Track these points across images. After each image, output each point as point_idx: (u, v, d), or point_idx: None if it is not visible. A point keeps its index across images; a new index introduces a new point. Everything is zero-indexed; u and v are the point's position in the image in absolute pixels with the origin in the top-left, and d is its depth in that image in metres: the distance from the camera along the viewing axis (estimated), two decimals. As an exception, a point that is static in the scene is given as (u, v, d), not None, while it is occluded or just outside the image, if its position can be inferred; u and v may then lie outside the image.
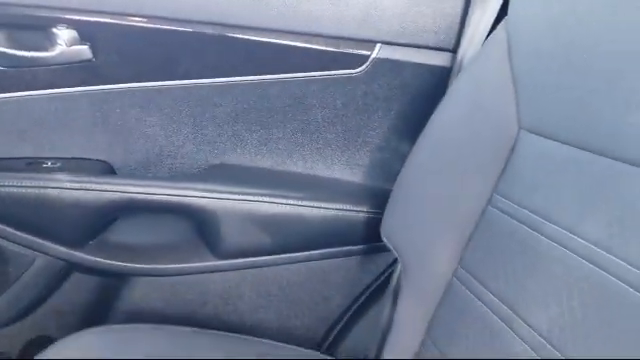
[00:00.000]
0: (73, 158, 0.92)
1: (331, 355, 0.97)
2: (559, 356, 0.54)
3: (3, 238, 0.88)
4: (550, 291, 0.58)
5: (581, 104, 0.61)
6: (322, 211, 0.94)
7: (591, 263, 0.54)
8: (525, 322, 0.58)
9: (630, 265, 0.50)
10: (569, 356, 0.53)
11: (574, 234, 0.57)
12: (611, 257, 0.52)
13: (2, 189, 0.85)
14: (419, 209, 0.81)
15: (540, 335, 0.56)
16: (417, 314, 0.76)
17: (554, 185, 0.62)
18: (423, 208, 0.80)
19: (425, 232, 0.79)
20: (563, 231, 0.58)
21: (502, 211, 0.68)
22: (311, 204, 0.94)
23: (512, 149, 0.70)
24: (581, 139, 0.60)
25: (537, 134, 0.67)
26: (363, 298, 1.01)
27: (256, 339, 0.90)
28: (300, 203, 0.93)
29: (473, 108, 0.77)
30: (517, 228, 0.65)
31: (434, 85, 0.90)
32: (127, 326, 0.86)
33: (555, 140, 0.64)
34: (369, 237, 0.95)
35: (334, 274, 0.98)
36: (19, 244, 0.89)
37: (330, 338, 1.01)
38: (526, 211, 0.64)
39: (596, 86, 0.59)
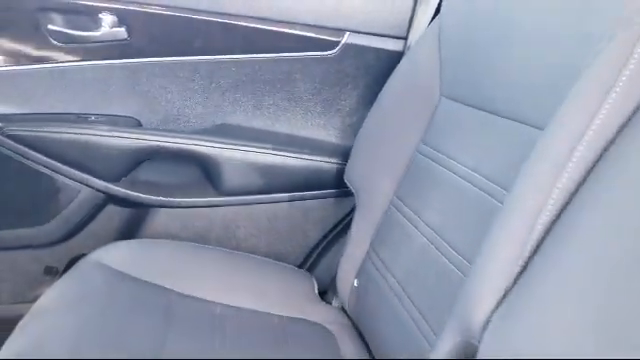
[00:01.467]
0: (110, 115, 1.19)
1: (309, 272, 1.24)
2: (444, 244, 0.80)
3: (57, 172, 1.15)
4: (443, 202, 0.84)
5: (475, 76, 0.87)
6: (303, 162, 1.21)
7: (468, 182, 0.80)
8: (426, 224, 0.85)
9: (492, 182, 0.76)
10: (449, 242, 0.79)
11: (459, 163, 0.83)
12: (480, 177, 0.78)
13: (58, 135, 1.13)
14: (369, 158, 1.08)
15: (434, 231, 0.83)
16: (364, 232, 1.03)
17: (454, 133, 0.89)
18: (372, 157, 1.07)
19: (373, 174, 1.06)
20: (453, 162, 0.85)
21: (423, 154, 0.95)
22: (294, 156, 1.21)
23: (434, 111, 0.97)
24: (473, 100, 0.87)
25: (451, 99, 0.94)
26: (334, 232, 1.27)
27: (252, 255, 1.18)
28: (286, 155, 1.20)
29: (410, 82, 1.04)
30: (429, 164, 0.91)
31: (390, 65, 1.15)
32: (151, 240, 1.14)
33: (460, 102, 0.90)
34: (340, 183, 1.21)
35: (311, 212, 1.25)
36: (69, 177, 1.16)
37: (309, 261, 1.28)
38: (435, 152, 0.91)
39: (484, 63, 0.85)
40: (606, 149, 0.58)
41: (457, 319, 0.64)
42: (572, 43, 0.68)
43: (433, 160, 0.92)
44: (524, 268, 0.59)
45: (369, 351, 0.96)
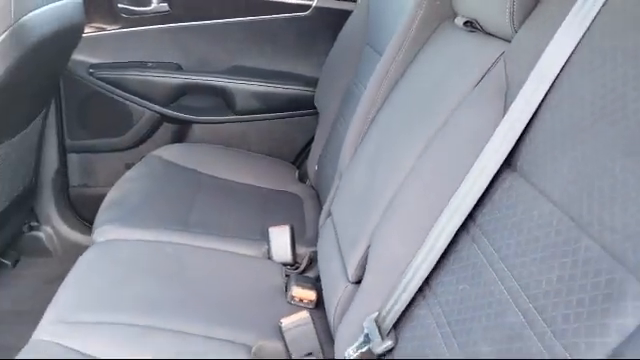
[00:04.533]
0: (161, 61, 1.78)
1: (298, 168, 1.82)
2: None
3: (129, 101, 1.77)
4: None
5: (381, 30, 1.39)
6: (291, 90, 1.78)
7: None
8: (349, 127, 1.41)
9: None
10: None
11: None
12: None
13: (129, 76, 1.73)
14: (326, 88, 1.63)
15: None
16: (322, 137, 1.60)
17: (366, 69, 1.42)
18: (327, 87, 1.62)
19: (328, 99, 1.61)
20: (364, 90, 1.39)
21: (354, 84, 1.49)
22: (285, 86, 1.77)
23: (361, 54, 1.50)
24: (376, 46, 1.39)
25: (369, 46, 1.46)
26: (310, 138, 1.83)
27: (257, 154, 1.78)
28: (279, 86, 1.77)
29: (351, 33, 1.57)
30: (355, 91, 1.46)
31: (344, 20, 1.66)
32: (191, 144, 1.76)
33: (372, 48, 1.43)
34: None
35: (296, 124, 1.82)
36: (137, 104, 1.77)
37: (298, 159, 1.87)
38: (359, 83, 1.45)
39: (384, 17, 1.37)
40: (407, 68, 1.11)
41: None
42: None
43: (356, 88, 1.46)
44: (362, 139, 1.15)
45: (321, 207, 1.54)
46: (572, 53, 0.66)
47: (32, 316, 0.97)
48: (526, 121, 0.68)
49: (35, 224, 1.80)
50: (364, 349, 0.77)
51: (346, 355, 0.79)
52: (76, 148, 1.81)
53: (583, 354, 0.46)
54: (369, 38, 1.48)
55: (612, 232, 0.49)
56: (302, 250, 1.28)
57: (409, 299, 0.73)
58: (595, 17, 0.64)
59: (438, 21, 1.08)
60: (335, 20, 1.71)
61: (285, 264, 1.22)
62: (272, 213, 1.47)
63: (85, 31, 1.60)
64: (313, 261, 1.26)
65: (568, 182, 0.58)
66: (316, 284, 1.12)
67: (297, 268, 1.23)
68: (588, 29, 0.65)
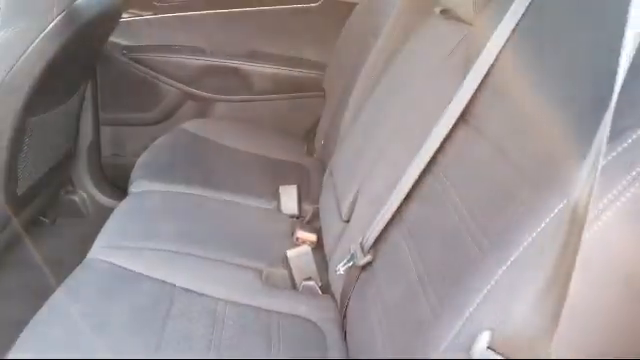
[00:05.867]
0: (187, 45, 2.00)
1: (307, 143, 2.03)
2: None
3: (157, 80, 1.99)
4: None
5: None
6: (301, 73, 1.99)
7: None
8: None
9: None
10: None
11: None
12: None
13: (158, 57, 1.95)
14: (331, 72, 1.84)
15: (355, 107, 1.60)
16: (328, 115, 1.81)
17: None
18: (332, 72, 1.83)
19: (332, 82, 1.82)
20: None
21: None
22: (297, 70, 1.99)
23: (364, 41, 1.71)
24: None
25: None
26: (317, 117, 2.05)
27: (273, 131, 1.99)
28: (291, 69, 1.98)
29: (356, 22, 1.78)
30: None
31: (351, 11, 1.87)
32: (212, 119, 1.97)
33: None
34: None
35: (306, 104, 2.04)
36: (164, 83, 2.00)
37: (307, 136, 2.08)
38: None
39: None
40: (397, 51, 1.32)
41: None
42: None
43: (359, 72, 1.66)
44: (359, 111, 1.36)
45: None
46: (511, 35, 0.86)
47: (70, 265, 1.13)
48: (476, 86, 0.89)
49: (71, 188, 2.03)
50: (350, 264, 0.98)
51: (336, 271, 1.00)
52: (109, 121, 2.03)
53: (493, 234, 0.67)
54: (371, 27, 1.68)
55: (522, 156, 0.70)
56: (307, 207, 1.49)
57: (384, 224, 0.95)
58: (528, 5, 0.85)
59: (422, 11, 1.28)
60: (342, 11, 1.92)
61: (292, 216, 1.44)
62: (282, 179, 1.68)
63: (121, 16, 1.82)
64: (316, 215, 1.47)
65: (499, 126, 0.79)
66: (317, 230, 1.33)
67: (302, 220, 1.45)
68: (523, 15, 0.86)
